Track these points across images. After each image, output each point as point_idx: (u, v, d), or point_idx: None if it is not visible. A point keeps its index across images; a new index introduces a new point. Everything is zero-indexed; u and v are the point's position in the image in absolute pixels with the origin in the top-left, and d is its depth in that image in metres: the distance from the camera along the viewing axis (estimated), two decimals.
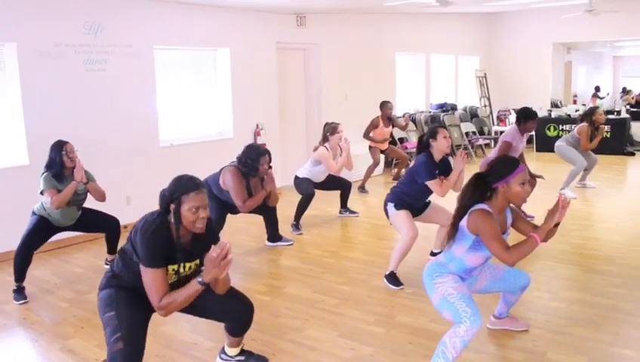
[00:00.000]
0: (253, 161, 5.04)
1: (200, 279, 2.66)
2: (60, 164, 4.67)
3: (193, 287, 2.68)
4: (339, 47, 9.46)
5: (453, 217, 3.12)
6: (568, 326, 3.75)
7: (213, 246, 2.67)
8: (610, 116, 11.78)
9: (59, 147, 4.71)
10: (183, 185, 2.71)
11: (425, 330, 3.72)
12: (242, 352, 3.35)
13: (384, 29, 10.54)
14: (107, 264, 5.30)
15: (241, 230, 6.44)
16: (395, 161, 9.77)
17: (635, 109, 14.12)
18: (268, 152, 5.14)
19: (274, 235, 5.88)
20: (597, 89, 17.15)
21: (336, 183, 6.76)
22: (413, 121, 11.16)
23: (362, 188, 8.45)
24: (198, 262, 2.88)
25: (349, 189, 6.92)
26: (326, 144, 6.45)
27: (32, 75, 5.72)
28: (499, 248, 2.88)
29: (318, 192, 6.52)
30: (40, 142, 5.51)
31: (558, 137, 11.34)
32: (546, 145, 11.79)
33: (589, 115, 7.77)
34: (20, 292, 4.59)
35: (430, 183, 4.51)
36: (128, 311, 2.73)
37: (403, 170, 9.04)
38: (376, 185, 8.83)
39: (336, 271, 5.05)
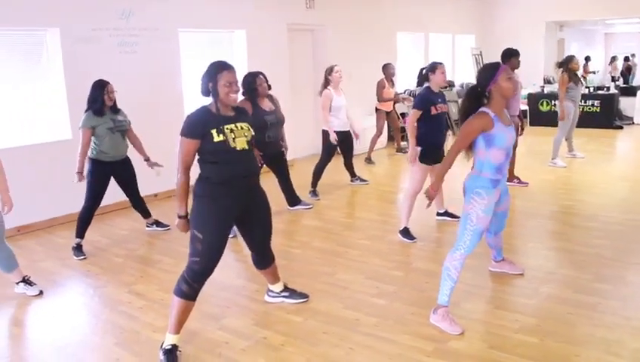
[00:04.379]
0: (250, 84, 5.68)
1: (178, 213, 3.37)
2: (101, 102, 5.17)
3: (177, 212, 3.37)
4: (344, 28, 10.05)
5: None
6: (557, 268, 4.45)
7: None
8: (600, 92, 12.41)
9: (101, 87, 5.19)
10: (217, 66, 3.36)
11: (438, 273, 4.31)
12: (286, 289, 4.03)
13: (386, 11, 11.12)
14: (148, 226, 5.93)
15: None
16: (390, 132, 10.40)
17: (624, 85, 14.74)
18: (261, 73, 5.79)
19: (292, 199, 6.49)
20: (587, 59, 17.62)
21: (345, 144, 7.24)
22: (414, 97, 11.79)
23: (368, 160, 9.09)
24: (247, 123, 3.45)
25: (351, 153, 7.45)
26: (329, 86, 6.99)
27: (73, 56, 6.29)
28: (455, 144, 3.52)
29: (329, 164, 7.09)
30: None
31: (550, 112, 12.03)
32: (539, 119, 12.47)
33: (565, 64, 8.23)
34: (79, 250, 5.22)
35: (412, 111, 5.17)
36: (213, 234, 3.31)
37: (402, 143, 9.71)
38: (381, 157, 9.49)
39: (354, 229, 5.72)
